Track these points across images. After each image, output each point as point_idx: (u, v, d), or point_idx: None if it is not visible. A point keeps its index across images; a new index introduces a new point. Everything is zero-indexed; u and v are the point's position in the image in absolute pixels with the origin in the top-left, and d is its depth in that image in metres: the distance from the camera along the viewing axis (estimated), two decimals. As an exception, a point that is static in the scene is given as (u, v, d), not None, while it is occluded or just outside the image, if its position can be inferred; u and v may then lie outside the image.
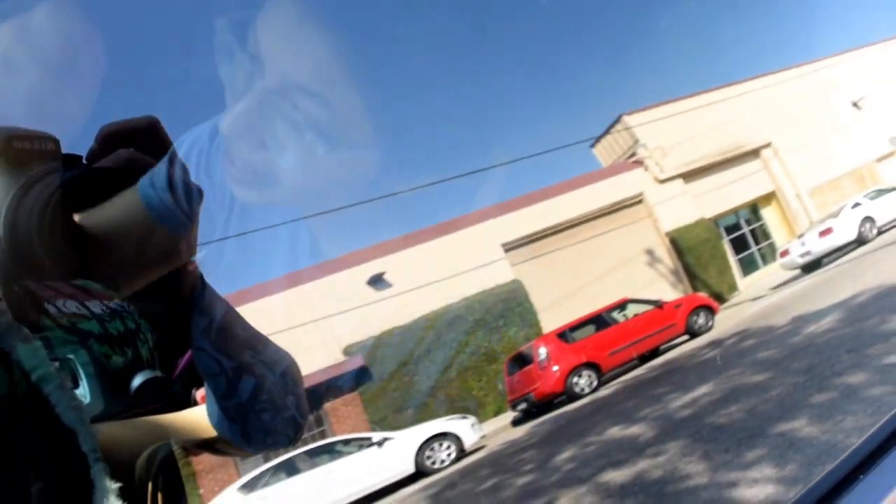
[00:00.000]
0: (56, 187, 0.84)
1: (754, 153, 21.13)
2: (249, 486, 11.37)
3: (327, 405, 15.51)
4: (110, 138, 0.86)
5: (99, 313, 0.82)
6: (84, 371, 0.79)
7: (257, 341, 0.95)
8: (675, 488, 4.84)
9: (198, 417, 1.00)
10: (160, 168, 0.81)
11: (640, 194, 19.86)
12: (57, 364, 0.74)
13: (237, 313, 0.95)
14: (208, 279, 0.91)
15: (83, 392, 0.78)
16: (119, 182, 0.83)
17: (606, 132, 21.41)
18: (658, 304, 13.73)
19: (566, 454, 7.70)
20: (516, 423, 13.30)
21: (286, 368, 0.96)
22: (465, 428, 11.58)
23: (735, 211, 20.78)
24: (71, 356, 0.78)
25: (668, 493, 4.87)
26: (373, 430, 14.26)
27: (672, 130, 19.77)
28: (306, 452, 11.82)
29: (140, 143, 0.85)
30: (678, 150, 19.97)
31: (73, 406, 0.71)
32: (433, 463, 11.24)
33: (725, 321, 13.71)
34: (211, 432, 0.99)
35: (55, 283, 0.80)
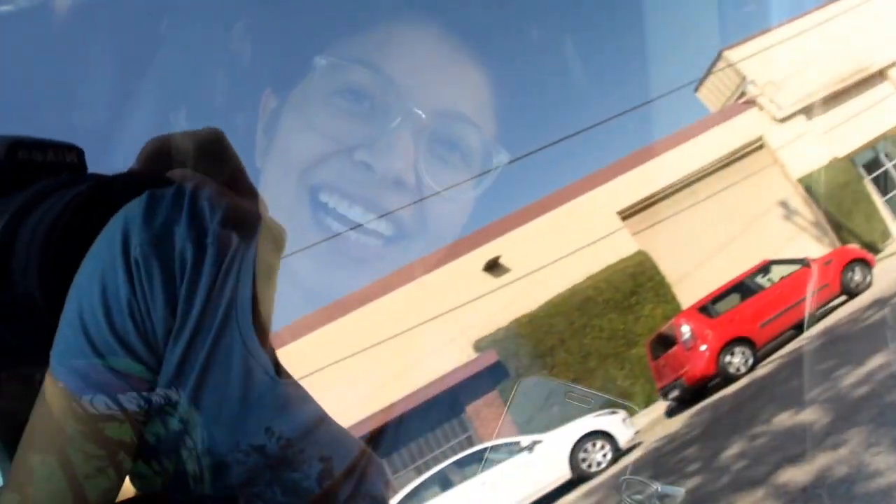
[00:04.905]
0: (60, 209, 0.77)
1: (881, 75, 19.40)
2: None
3: (469, 408, 15.36)
4: (156, 155, 0.80)
5: (134, 411, 0.77)
6: None
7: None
8: (867, 488, 4.30)
9: None
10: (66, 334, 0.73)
11: (760, 138, 18.53)
12: None
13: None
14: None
15: None
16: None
17: (709, 72, 20.10)
18: (805, 263, 12.67)
19: (734, 450, 7.21)
20: (671, 413, 12.70)
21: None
22: (617, 424, 11.08)
23: (872, 145, 18.97)
24: None
25: (859, 496, 4.32)
26: (520, 433, 14.00)
27: (782, 61, 18.35)
28: (455, 463, 11.71)
29: (199, 161, 0.77)
30: (793, 82, 18.52)
31: None
32: (589, 466, 10.82)
33: (885, 274, 12.55)
34: None
35: (78, 363, 0.73)
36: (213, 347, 0.78)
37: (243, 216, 0.80)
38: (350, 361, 13.97)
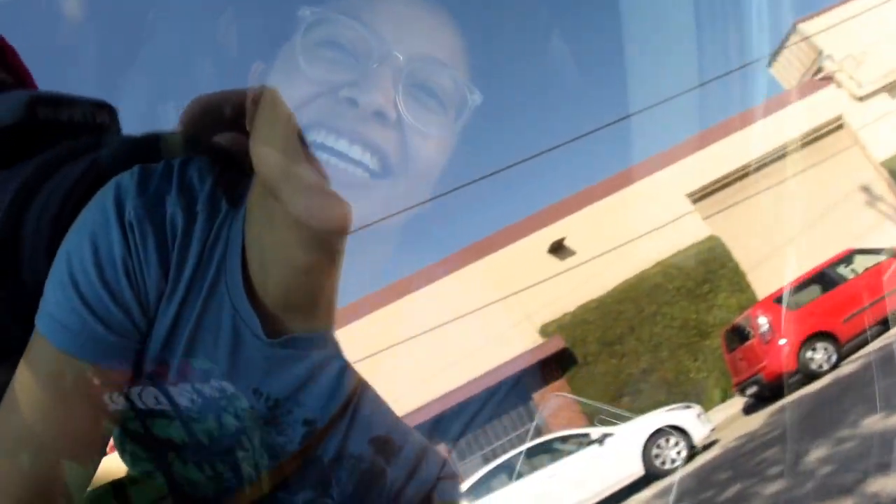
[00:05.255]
0: (70, 186, 0.79)
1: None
2: (473, 493, 11.33)
3: (536, 395, 15.24)
4: (201, 115, 0.81)
5: (186, 406, 0.82)
6: None
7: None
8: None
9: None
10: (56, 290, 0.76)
11: (839, 118, 17.75)
12: None
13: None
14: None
15: None
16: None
17: (782, 46, 19.25)
18: (891, 253, 12.04)
19: (819, 453, 6.92)
20: (749, 410, 12.32)
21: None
22: (692, 419, 10.82)
23: (965, 124, 18.03)
24: None
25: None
26: (590, 423, 13.80)
27: (862, 34, 17.45)
28: (524, 452, 11.61)
29: (244, 121, 0.78)
30: (874, 57, 17.62)
31: None
32: (663, 463, 10.60)
33: (980, 266, 11.86)
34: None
35: (70, 319, 0.75)
36: (203, 309, 0.82)
37: (233, 185, 0.84)
38: (412, 343, 13.95)
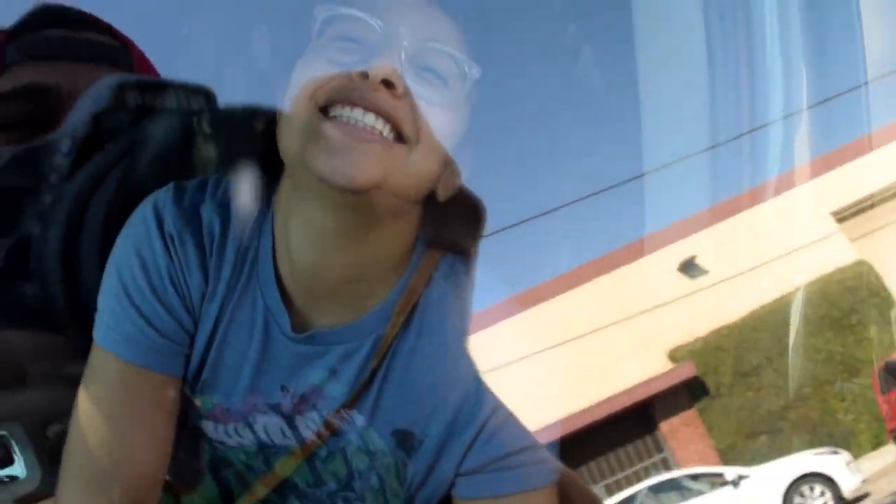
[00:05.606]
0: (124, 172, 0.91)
1: None
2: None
3: (663, 425, 14.58)
4: None
5: (311, 439, 0.90)
6: (19, 447, 0.84)
7: None
8: None
9: None
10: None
11: None
12: None
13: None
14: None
15: (19, 469, 0.84)
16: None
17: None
18: None
19: None
20: (907, 461, 11.31)
21: None
22: (840, 467, 10.03)
23: None
24: (4, 433, 0.84)
25: None
26: (722, 461, 13.06)
27: None
28: (651, 487, 11.16)
29: None
30: None
31: None
32: (806, 515, 9.88)
33: None
34: None
35: (128, 329, 0.85)
36: (238, 307, 0.86)
37: (263, 187, 0.89)
38: (531, 360, 13.58)
